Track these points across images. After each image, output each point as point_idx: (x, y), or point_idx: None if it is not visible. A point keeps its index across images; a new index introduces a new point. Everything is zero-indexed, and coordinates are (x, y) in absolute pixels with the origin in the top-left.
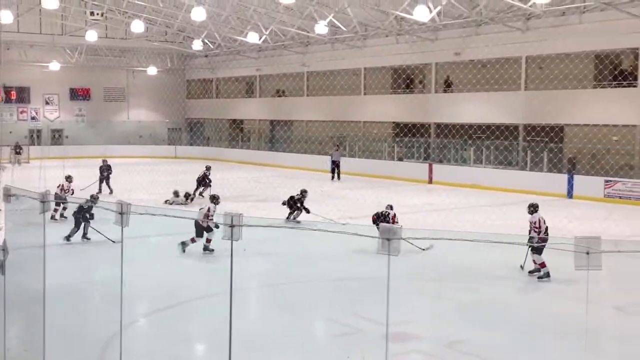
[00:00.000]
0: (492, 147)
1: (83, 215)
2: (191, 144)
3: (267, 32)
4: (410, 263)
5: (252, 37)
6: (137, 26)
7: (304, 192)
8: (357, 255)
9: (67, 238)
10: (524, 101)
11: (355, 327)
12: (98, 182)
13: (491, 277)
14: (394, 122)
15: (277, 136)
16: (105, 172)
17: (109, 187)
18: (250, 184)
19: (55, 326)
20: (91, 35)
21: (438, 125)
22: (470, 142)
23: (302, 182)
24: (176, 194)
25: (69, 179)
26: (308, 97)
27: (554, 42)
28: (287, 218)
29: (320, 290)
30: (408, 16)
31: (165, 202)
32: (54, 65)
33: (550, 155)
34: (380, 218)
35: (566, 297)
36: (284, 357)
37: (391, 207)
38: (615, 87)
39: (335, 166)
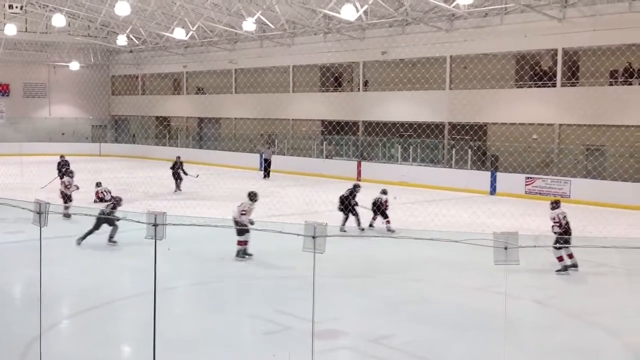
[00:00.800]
0: (419, 145)
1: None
2: (116, 142)
3: (194, 28)
4: (337, 260)
5: (179, 33)
6: (59, 20)
7: (356, 187)
8: (285, 253)
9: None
10: (448, 100)
11: (283, 324)
12: (58, 179)
13: (417, 274)
14: (322, 120)
15: (205, 134)
16: (63, 167)
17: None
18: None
19: None
20: (10, 29)
21: (366, 124)
22: (397, 140)
23: (230, 180)
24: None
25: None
26: (236, 94)
27: (477, 42)
28: (358, 226)
29: (248, 288)
30: (336, 15)
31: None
32: None
33: (475, 153)
34: (375, 204)
35: (488, 292)
36: (211, 356)
37: (385, 192)
38: (535, 87)
39: (267, 165)
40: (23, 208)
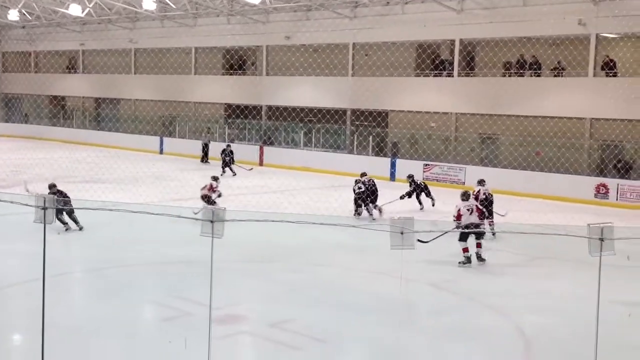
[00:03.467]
0: (322, 131)
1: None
2: (7, 121)
3: (91, 5)
4: (239, 245)
5: (75, 10)
6: None
7: (364, 174)
8: (183, 238)
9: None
10: (351, 87)
11: (183, 310)
12: None
13: (319, 258)
14: (225, 104)
15: (103, 115)
16: None
17: None
18: (74, 164)
19: None
20: None
21: (269, 108)
22: (300, 125)
23: (130, 162)
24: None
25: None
26: (137, 75)
27: (380, 30)
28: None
29: (146, 274)
30: None
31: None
32: None
33: (376, 139)
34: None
35: (387, 276)
36: (106, 342)
37: (364, 174)
38: (435, 76)
39: (206, 150)
40: None
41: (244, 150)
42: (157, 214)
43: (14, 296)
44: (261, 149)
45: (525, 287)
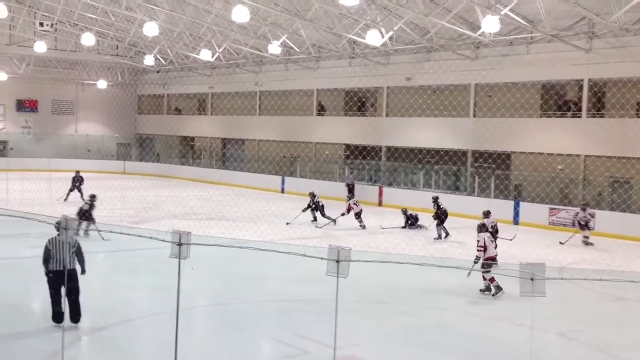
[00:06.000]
0: (441, 172)
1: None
2: (141, 160)
3: (220, 50)
4: (357, 285)
5: (205, 55)
6: (88, 39)
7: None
8: (305, 276)
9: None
10: (472, 128)
11: (302, 348)
12: (67, 191)
13: (438, 301)
14: (345, 144)
15: (229, 154)
16: (77, 182)
17: (81, 196)
18: (201, 202)
19: None
20: (40, 47)
21: (389, 148)
22: (420, 166)
23: (252, 201)
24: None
25: None
26: (260, 116)
27: (502, 71)
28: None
29: (268, 310)
30: (361, 40)
31: None
32: (1, 76)
33: (497, 181)
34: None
35: (511, 323)
36: None
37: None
38: (561, 117)
39: (349, 189)
40: (49, 223)
41: (363, 191)
42: (283, 252)
43: (144, 327)
44: (380, 189)
45: None
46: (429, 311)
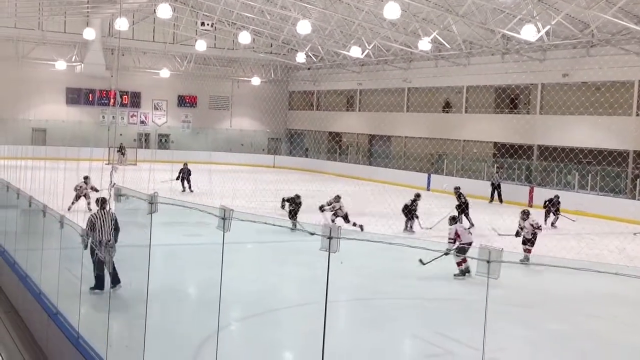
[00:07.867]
0: (599, 173)
1: None
2: (290, 155)
3: (370, 47)
4: (501, 287)
5: (355, 51)
6: (244, 37)
7: (417, 196)
8: (449, 275)
9: None
10: (635, 127)
11: (445, 348)
12: (180, 180)
13: (591, 309)
14: (494, 142)
15: (375, 151)
16: (184, 174)
17: (189, 186)
18: (346, 197)
19: (154, 325)
20: (201, 45)
21: (541, 148)
22: (576, 166)
23: (397, 198)
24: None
25: None
26: (408, 112)
27: None
28: (405, 229)
29: (408, 307)
30: (515, 35)
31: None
32: (164, 73)
33: None
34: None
35: None
36: None
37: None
38: None
39: (494, 188)
40: (209, 213)
41: (512, 191)
42: (429, 249)
43: (289, 317)
44: (531, 189)
45: None
46: (580, 318)
